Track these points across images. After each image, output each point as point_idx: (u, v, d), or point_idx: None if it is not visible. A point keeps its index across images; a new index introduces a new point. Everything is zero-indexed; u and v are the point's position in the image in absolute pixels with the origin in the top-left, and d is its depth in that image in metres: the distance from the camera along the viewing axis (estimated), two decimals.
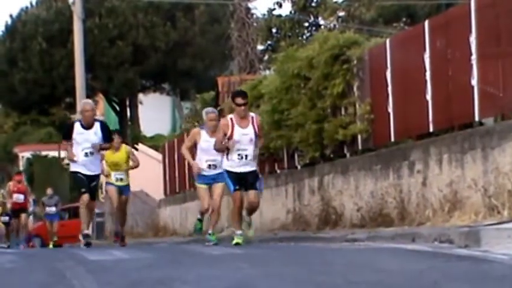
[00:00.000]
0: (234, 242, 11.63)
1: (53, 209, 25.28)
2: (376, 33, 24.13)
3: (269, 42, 34.67)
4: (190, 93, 45.30)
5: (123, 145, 16.27)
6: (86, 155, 13.28)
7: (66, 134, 13.58)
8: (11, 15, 46.17)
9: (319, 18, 34.05)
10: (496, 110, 11.12)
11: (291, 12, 34.39)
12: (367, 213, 13.55)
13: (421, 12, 30.78)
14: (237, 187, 11.58)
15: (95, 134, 13.35)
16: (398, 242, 9.74)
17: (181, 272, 7.30)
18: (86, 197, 13.31)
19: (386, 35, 17.90)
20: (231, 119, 11.58)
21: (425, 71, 12.39)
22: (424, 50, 12.38)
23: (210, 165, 12.50)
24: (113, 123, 53.18)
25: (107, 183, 15.99)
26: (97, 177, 13.64)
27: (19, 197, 23.77)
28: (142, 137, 45.66)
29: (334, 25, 32.17)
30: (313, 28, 33.90)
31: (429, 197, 11.98)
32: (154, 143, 38.81)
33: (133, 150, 17.28)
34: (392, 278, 6.30)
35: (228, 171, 11.67)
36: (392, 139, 13.49)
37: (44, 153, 50.04)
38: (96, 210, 30.78)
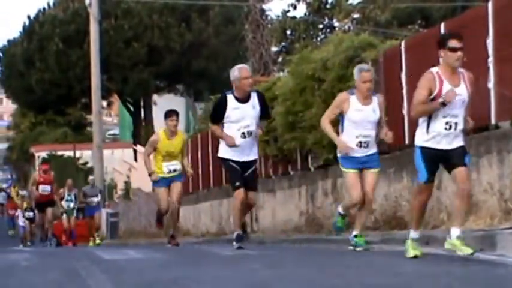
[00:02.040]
0: (411, 254, 8.10)
1: (95, 199, 22.72)
2: (391, 35, 24.11)
3: (283, 43, 34.70)
4: (204, 94, 45.45)
5: (179, 130, 13.90)
6: (244, 135, 10.31)
7: (219, 112, 10.42)
8: (28, 16, 46.57)
9: (334, 20, 34.05)
10: None
11: (305, 14, 34.41)
12: (381, 216, 13.52)
13: (437, 14, 30.70)
14: (432, 178, 8.15)
15: (253, 107, 10.39)
16: None
17: (196, 273, 7.31)
18: (241, 192, 10.42)
19: (401, 37, 17.86)
20: (438, 73, 8.07)
21: None
22: None
23: (361, 142, 9.43)
24: (128, 123, 53.48)
25: (155, 182, 13.61)
26: (255, 162, 10.66)
27: (45, 188, 21.56)
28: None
29: (349, 27, 32.15)
30: (328, 30, 33.91)
31: (444, 200, 11.94)
32: None
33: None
34: (407, 282, 6.29)
35: (424, 149, 8.05)
36: (407, 142, 13.46)
37: (59, 152, 50.32)
38: (109, 210, 30.89)
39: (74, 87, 44.11)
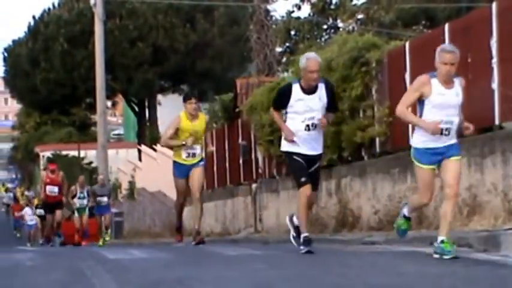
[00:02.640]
0: None
1: (105, 199, 21.43)
2: (395, 36, 24.11)
3: (288, 44, 34.72)
4: (209, 94, 45.51)
5: (200, 112, 13.01)
6: (308, 128, 9.43)
7: (282, 101, 9.57)
8: (33, 16, 46.68)
9: (338, 21, 34.06)
10: None
11: (309, 15, 34.42)
12: (385, 216, 13.54)
13: (441, 15, 30.69)
14: None
15: (319, 99, 9.49)
16: (416, 245, 9.74)
17: (200, 273, 7.33)
18: (307, 189, 9.48)
19: (406, 37, 17.88)
20: None
21: None
22: None
23: (442, 129, 8.15)
24: (132, 123, 53.54)
25: (175, 164, 12.66)
26: (320, 157, 9.69)
27: (53, 190, 20.68)
28: (160, 137, 45.89)
29: (353, 27, 32.15)
30: (332, 30, 33.93)
31: None
32: None
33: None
34: (410, 282, 6.31)
35: None
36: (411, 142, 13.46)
37: (64, 152, 50.36)
38: (114, 210, 30.90)
39: (79, 87, 44.19)
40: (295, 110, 9.46)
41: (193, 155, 12.54)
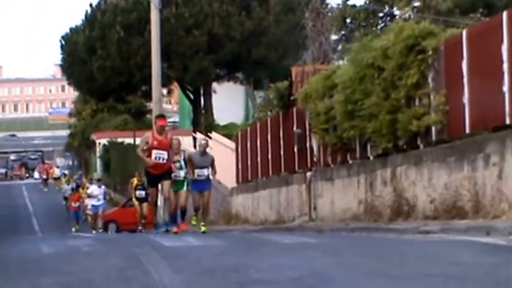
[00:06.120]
0: None
1: (205, 172, 15.76)
2: (452, 24, 23.79)
3: (343, 32, 34.56)
4: (264, 82, 45.54)
5: None
6: None
7: None
8: (90, 5, 47.25)
9: (394, 9, 33.75)
10: None
11: (365, 3, 34.20)
12: (441, 205, 13.43)
13: (499, 3, 30.19)
14: None
15: None
16: (472, 235, 9.65)
17: (255, 260, 7.37)
18: None
19: (463, 25, 17.64)
20: None
21: (502, 62, 12.19)
22: (502, 41, 12.18)
23: None
24: (187, 111, 53.92)
25: None
26: None
27: (161, 155, 14.91)
28: (215, 125, 46.15)
29: (410, 15, 31.82)
30: (388, 18, 33.63)
31: (505, 190, 11.80)
32: (227, 131, 39.27)
33: None
34: (467, 272, 6.26)
35: None
36: (467, 131, 13.32)
37: (119, 139, 50.91)
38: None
39: (135, 74, 44.64)
40: None
41: None
